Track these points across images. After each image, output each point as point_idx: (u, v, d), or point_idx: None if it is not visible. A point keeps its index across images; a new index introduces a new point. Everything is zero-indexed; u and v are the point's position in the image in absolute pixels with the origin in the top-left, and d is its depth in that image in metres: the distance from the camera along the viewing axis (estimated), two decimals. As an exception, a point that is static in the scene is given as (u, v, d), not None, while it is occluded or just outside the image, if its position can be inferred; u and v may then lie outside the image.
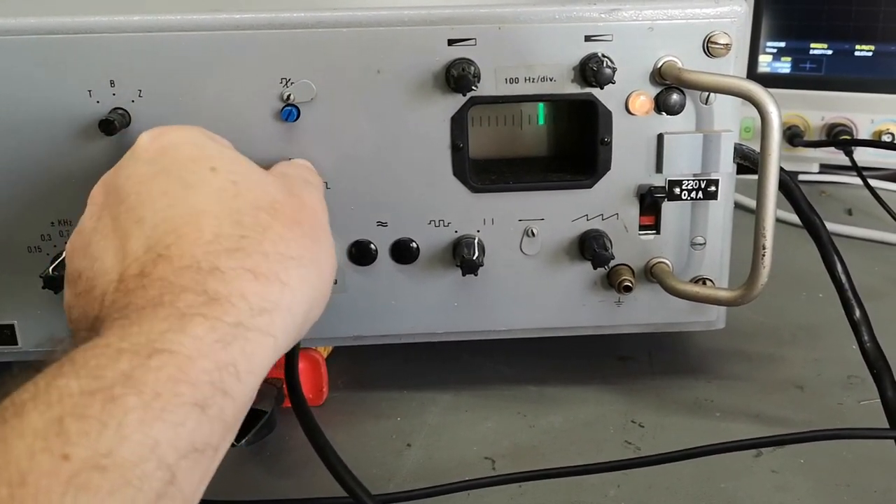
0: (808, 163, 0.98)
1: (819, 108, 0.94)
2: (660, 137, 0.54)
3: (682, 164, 0.55)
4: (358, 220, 0.56)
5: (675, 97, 0.53)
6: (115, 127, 0.51)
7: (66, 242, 0.54)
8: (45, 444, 0.29)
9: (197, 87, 0.52)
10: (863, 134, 0.93)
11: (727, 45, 0.52)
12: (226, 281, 0.37)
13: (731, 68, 0.53)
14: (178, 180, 0.41)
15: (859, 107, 0.93)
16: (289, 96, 0.52)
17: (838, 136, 0.92)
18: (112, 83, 0.52)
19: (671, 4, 0.52)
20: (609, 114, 0.54)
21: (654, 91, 0.54)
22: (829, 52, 0.93)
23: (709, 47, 0.53)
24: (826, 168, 0.99)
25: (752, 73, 0.95)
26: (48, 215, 0.55)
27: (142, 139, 0.45)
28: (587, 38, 0.52)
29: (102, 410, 0.31)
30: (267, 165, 0.51)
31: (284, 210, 0.42)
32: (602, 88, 0.52)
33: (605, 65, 0.52)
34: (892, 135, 0.92)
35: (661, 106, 0.54)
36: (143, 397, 0.32)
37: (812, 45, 0.93)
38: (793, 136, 0.93)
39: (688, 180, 0.55)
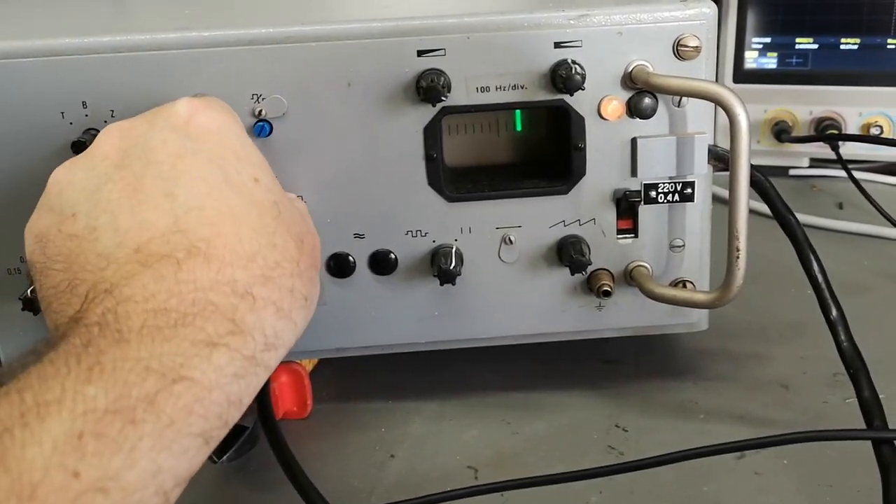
0: (798, 157, 0.98)
1: (807, 103, 0.93)
2: (633, 141, 0.54)
3: (656, 167, 0.55)
4: (335, 232, 0.56)
5: (646, 101, 0.53)
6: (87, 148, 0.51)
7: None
8: (61, 460, 0.29)
9: (168, 105, 0.52)
10: (851, 127, 0.93)
11: (697, 47, 0.52)
12: (255, 310, 0.38)
13: (703, 71, 0.53)
14: (220, 172, 0.41)
15: (847, 100, 0.92)
16: (260, 112, 0.52)
17: (826, 130, 0.92)
18: (84, 104, 0.52)
19: (640, 9, 0.52)
20: (582, 119, 0.54)
21: (626, 95, 0.53)
22: (815, 46, 0.92)
23: (679, 50, 0.52)
24: (816, 162, 0.99)
25: (739, 70, 0.95)
26: (26, 237, 0.55)
27: (179, 107, 0.44)
28: (556, 45, 0.52)
29: (120, 433, 0.31)
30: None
31: (306, 248, 0.43)
32: (572, 95, 0.52)
33: (574, 71, 0.51)
34: (881, 127, 0.91)
35: (634, 110, 0.53)
36: (159, 424, 0.32)
37: (797, 40, 0.93)
38: (780, 132, 0.93)
39: (663, 183, 0.55)
